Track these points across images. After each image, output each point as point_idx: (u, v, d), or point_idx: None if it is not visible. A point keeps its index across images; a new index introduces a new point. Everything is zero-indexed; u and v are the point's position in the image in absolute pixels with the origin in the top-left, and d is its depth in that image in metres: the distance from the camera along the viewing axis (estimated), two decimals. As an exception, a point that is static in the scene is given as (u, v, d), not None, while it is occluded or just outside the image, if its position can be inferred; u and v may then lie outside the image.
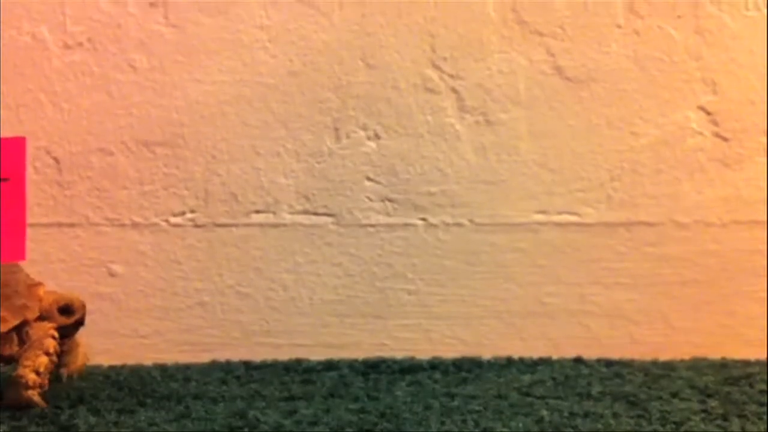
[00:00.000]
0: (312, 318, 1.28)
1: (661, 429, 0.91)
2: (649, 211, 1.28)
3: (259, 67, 1.27)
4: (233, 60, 1.27)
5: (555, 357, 1.21)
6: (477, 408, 0.97)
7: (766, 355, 1.20)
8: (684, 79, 1.28)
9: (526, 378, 1.11)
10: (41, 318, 1.02)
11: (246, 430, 0.90)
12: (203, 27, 1.26)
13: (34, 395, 0.98)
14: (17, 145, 0.99)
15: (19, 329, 1.01)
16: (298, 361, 1.19)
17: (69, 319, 1.03)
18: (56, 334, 1.01)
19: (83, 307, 1.04)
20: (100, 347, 1.19)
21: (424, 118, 1.28)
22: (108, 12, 1.26)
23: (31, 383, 0.98)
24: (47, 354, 0.99)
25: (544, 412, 0.95)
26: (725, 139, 1.28)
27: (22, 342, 1.00)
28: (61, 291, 1.06)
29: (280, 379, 1.11)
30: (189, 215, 1.28)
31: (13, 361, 1.01)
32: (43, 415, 0.95)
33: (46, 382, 0.99)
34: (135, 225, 1.27)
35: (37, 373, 0.98)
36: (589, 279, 1.28)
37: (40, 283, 1.04)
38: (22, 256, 0.99)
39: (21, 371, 0.98)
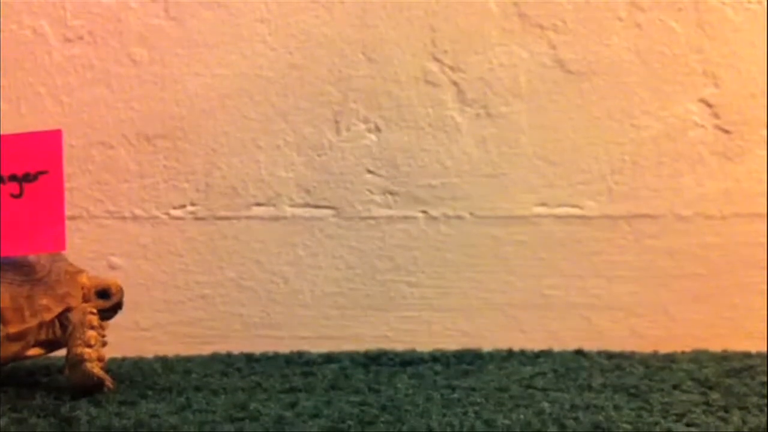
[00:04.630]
0: (313, 310, 1.28)
1: (662, 421, 0.91)
2: (650, 203, 1.28)
3: (259, 60, 1.27)
4: (234, 53, 1.27)
5: (556, 349, 1.21)
6: (478, 400, 0.97)
7: (766, 347, 1.20)
8: (685, 72, 1.28)
9: (527, 370, 1.10)
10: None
11: (247, 421, 0.90)
12: (203, 20, 1.26)
13: (94, 367, 0.98)
14: (54, 137, 1.01)
15: (60, 315, 1.02)
16: (299, 354, 1.19)
17: (106, 302, 1.04)
18: (95, 311, 1.02)
19: (120, 291, 1.05)
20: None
21: (424, 110, 1.28)
22: (108, 5, 1.26)
23: (87, 356, 0.98)
24: (92, 328, 1.00)
25: (545, 404, 0.95)
26: (726, 132, 1.28)
27: (64, 327, 1.01)
28: (99, 276, 1.08)
29: (281, 371, 1.11)
30: (190, 208, 1.28)
31: (56, 346, 1.02)
32: (44, 407, 0.95)
33: (104, 355, 1.00)
34: (136, 218, 1.27)
35: (89, 345, 0.99)
36: (590, 271, 1.28)
37: (81, 271, 1.05)
38: (62, 246, 1.01)
39: (74, 350, 0.99)
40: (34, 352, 1.03)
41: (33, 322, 1.01)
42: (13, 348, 1.01)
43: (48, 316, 1.01)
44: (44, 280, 1.02)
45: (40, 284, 1.02)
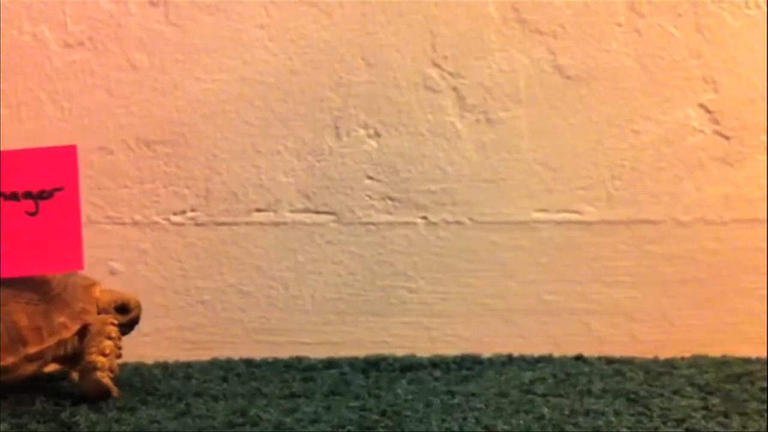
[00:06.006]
0: (313, 316, 1.28)
1: (662, 426, 0.91)
2: (649, 209, 1.28)
3: (259, 66, 1.27)
4: (234, 59, 1.27)
5: (556, 354, 1.21)
6: (478, 406, 0.98)
7: (766, 353, 1.20)
8: (684, 77, 1.28)
9: (527, 375, 1.11)
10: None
11: (247, 427, 0.90)
12: (204, 26, 1.27)
13: (104, 377, 0.99)
14: (68, 153, 1.00)
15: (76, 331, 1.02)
16: (299, 359, 1.19)
17: (124, 317, 1.05)
18: (115, 322, 1.02)
19: (138, 306, 1.06)
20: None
21: (424, 116, 1.28)
22: (108, 11, 1.26)
23: (99, 365, 0.99)
24: (110, 338, 1.00)
25: (545, 410, 0.95)
26: (726, 137, 1.28)
27: (81, 339, 1.02)
28: (117, 290, 1.08)
29: (280, 377, 1.11)
30: (190, 214, 1.28)
31: (73, 360, 1.03)
32: (44, 412, 0.95)
33: (116, 366, 1.01)
34: (136, 223, 1.27)
35: (104, 354, 0.99)
36: (589, 277, 1.28)
37: (95, 283, 1.05)
38: (80, 265, 1.00)
39: (88, 357, 0.99)
40: (51, 368, 1.03)
41: (51, 341, 1.00)
42: (31, 368, 1.00)
43: (66, 334, 1.01)
44: (61, 296, 1.02)
45: (57, 301, 1.01)
